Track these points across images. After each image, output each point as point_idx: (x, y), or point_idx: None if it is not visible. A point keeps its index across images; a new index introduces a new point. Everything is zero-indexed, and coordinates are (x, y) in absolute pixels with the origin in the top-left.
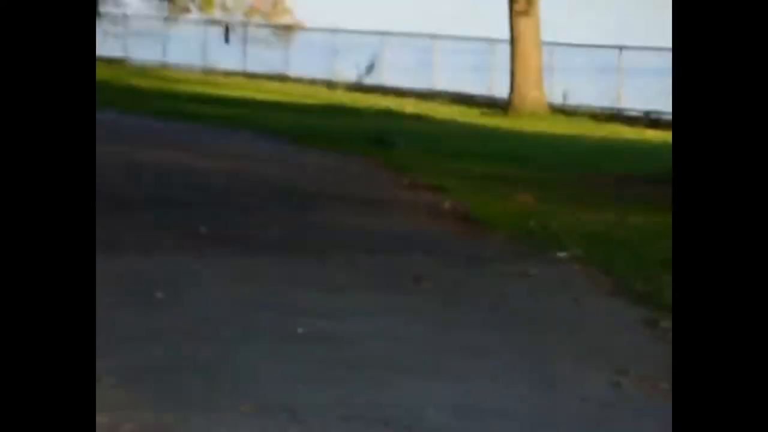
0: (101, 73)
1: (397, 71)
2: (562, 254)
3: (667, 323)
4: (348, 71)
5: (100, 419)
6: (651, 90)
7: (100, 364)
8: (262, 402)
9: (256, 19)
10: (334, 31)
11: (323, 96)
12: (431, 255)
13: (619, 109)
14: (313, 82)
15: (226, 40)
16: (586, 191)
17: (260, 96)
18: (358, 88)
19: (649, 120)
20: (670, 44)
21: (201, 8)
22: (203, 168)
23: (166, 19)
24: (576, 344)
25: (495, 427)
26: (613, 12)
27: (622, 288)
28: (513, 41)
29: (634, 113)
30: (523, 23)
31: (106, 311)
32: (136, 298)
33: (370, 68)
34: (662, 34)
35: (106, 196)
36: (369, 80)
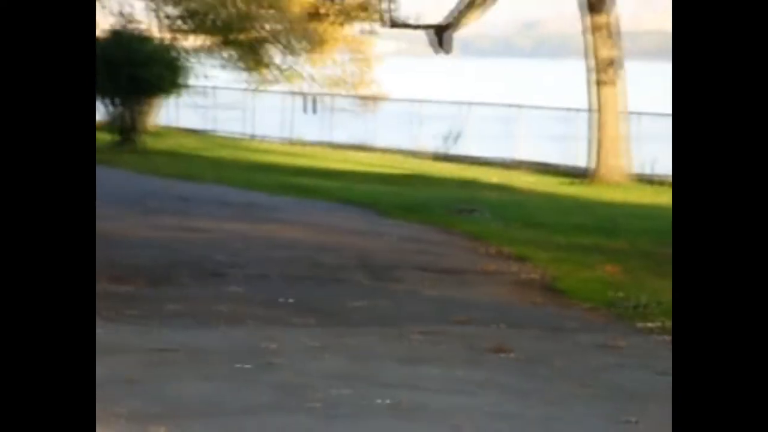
0: (189, 144)
1: (481, 141)
2: (649, 325)
3: None
4: (433, 141)
5: None
6: None
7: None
8: None
9: (342, 90)
10: (418, 101)
11: (408, 166)
12: (515, 326)
13: None
14: (397, 152)
15: (312, 110)
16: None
17: (344, 166)
18: (442, 158)
19: None
20: None
21: (286, 79)
22: (287, 239)
23: (253, 91)
24: (665, 416)
25: None
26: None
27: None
28: (597, 110)
29: None
30: (606, 92)
31: (195, 382)
32: (223, 369)
33: (454, 138)
34: None
35: (190, 265)
36: (453, 150)
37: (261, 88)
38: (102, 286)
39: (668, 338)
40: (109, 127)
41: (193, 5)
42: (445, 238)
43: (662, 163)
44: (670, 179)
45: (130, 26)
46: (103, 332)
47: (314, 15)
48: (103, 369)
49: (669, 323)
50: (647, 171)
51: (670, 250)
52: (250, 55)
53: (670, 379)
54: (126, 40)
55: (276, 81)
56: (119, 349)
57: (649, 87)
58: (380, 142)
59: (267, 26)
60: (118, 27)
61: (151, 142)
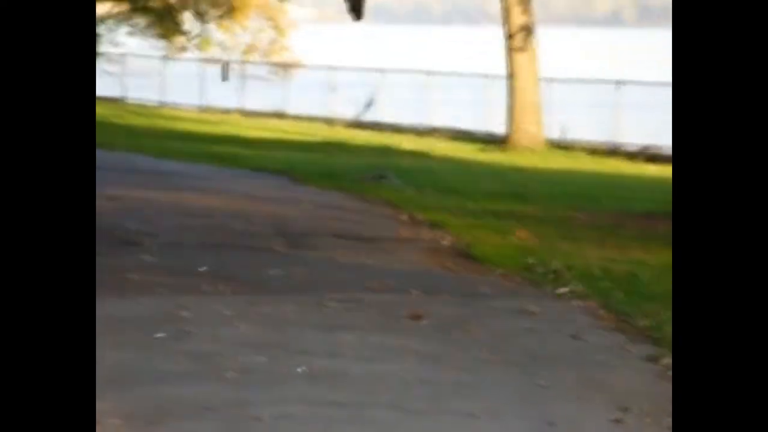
0: (100, 112)
1: (395, 108)
2: (562, 290)
3: (668, 360)
4: (346, 108)
5: None
6: (649, 125)
7: (102, 406)
8: None
9: (255, 57)
10: (332, 68)
11: (322, 133)
12: (430, 293)
13: (617, 144)
14: (311, 119)
15: (225, 78)
16: (585, 227)
17: (258, 134)
18: (357, 125)
19: (648, 155)
20: (668, 79)
21: (199, 47)
22: (201, 207)
23: (164, 58)
24: (577, 381)
25: None
26: (611, 47)
27: (622, 324)
28: (510, 77)
29: (632, 148)
30: (520, 59)
31: (108, 352)
32: (137, 337)
33: (369, 105)
34: (660, 69)
35: (105, 235)
36: (368, 117)
37: (172, 55)
38: None
39: (579, 302)
40: None
41: None
42: (359, 205)
43: (574, 130)
44: (581, 145)
45: None
46: None
47: None
48: None
49: (580, 288)
50: (558, 137)
51: (580, 215)
52: (161, 21)
53: (581, 343)
54: None
55: (187, 48)
56: None
57: (560, 53)
58: (294, 109)
59: None
60: None
61: None
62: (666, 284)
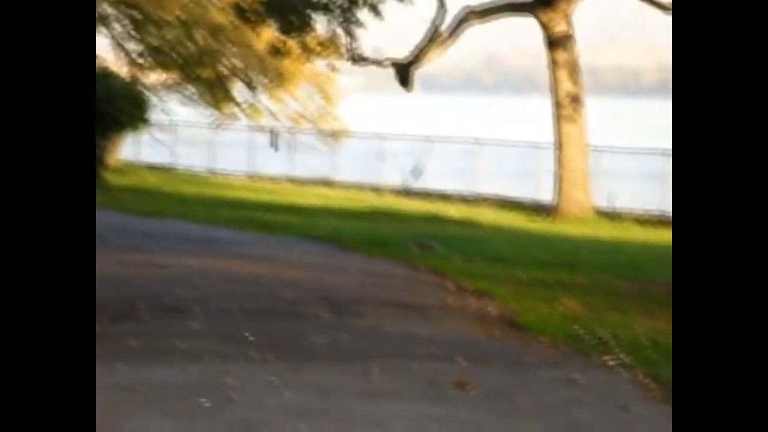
0: (150, 180)
1: (443, 176)
2: (608, 360)
3: None
4: (395, 176)
5: None
6: None
7: None
8: None
9: (303, 125)
10: (381, 137)
11: (369, 201)
12: (476, 361)
13: (666, 214)
14: (359, 187)
15: (275, 146)
16: (634, 297)
17: (307, 201)
18: (404, 193)
19: None
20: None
21: (248, 115)
22: (249, 274)
23: (214, 126)
24: None
25: None
26: (659, 117)
27: (670, 395)
28: (558, 146)
29: None
30: (568, 128)
31: (154, 419)
32: (183, 405)
33: (416, 173)
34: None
35: (154, 303)
36: (415, 185)
37: (222, 124)
38: None
39: (627, 373)
40: None
41: (155, 42)
42: (406, 272)
43: (622, 199)
44: (629, 214)
45: None
46: None
47: (277, 51)
48: None
49: (626, 358)
50: (606, 206)
51: (629, 285)
52: (212, 91)
53: (626, 413)
54: None
55: (237, 117)
56: None
57: (609, 123)
58: (342, 177)
59: (229, 63)
60: None
61: (114, 178)
62: None
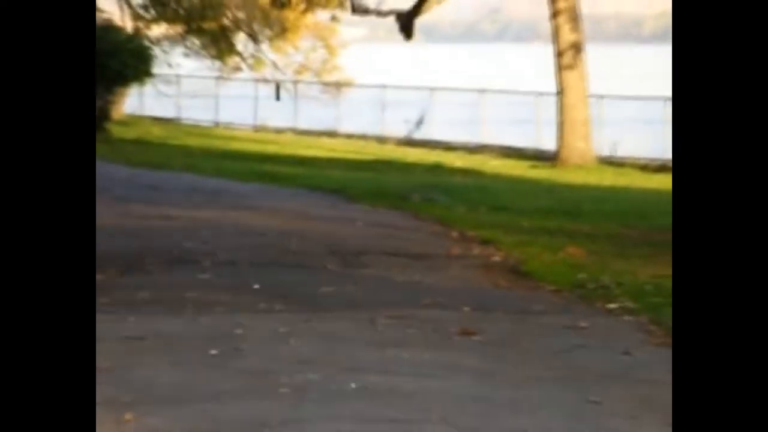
0: (156, 132)
1: (446, 126)
2: (613, 306)
3: None
4: (398, 127)
5: None
6: None
7: (159, 423)
8: None
9: (307, 76)
10: (383, 87)
11: (373, 151)
12: (482, 309)
13: (667, 161)
14: (363, 137)
15: (277, 97)
16: (637, 243)
17: (311, 153)
18: (408, 143)
19: None
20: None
21: (252, 67)
22: (256, 226)
23: (218, 79)
24: (629, 397)
25: None
26: (660, 64)
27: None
28: (560, 94)
29: None
30: (569, 76)
31: (165, 370)
32: (192, 355)
33: (420, 123)
34: None
35: (162, 254)
36: (418, 135)
37: (225, 76)
38: None
39: (631, 318)
40: None
41: None
42: (411, 223)
43: (623, 146)
44: (631, 162)
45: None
46: None
47: (278, 2)
48: None
49: (630, 304)
50: (608, 153)
51: (631, 232)
52: (215, 43)
53: (631, 358)
54: None
55: (241, 69)
56: None
57: (609, 71)
58: (346, 128)
59: (232, 14)
60: None
61: (119, 131)
62: None
